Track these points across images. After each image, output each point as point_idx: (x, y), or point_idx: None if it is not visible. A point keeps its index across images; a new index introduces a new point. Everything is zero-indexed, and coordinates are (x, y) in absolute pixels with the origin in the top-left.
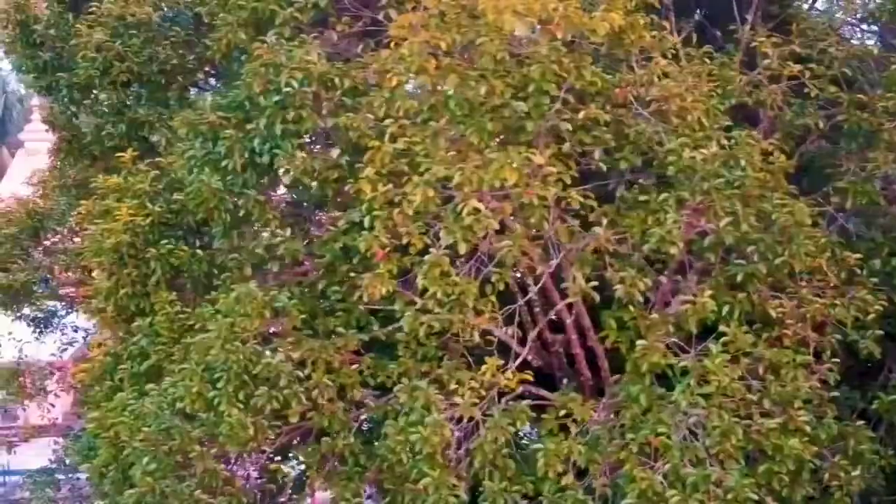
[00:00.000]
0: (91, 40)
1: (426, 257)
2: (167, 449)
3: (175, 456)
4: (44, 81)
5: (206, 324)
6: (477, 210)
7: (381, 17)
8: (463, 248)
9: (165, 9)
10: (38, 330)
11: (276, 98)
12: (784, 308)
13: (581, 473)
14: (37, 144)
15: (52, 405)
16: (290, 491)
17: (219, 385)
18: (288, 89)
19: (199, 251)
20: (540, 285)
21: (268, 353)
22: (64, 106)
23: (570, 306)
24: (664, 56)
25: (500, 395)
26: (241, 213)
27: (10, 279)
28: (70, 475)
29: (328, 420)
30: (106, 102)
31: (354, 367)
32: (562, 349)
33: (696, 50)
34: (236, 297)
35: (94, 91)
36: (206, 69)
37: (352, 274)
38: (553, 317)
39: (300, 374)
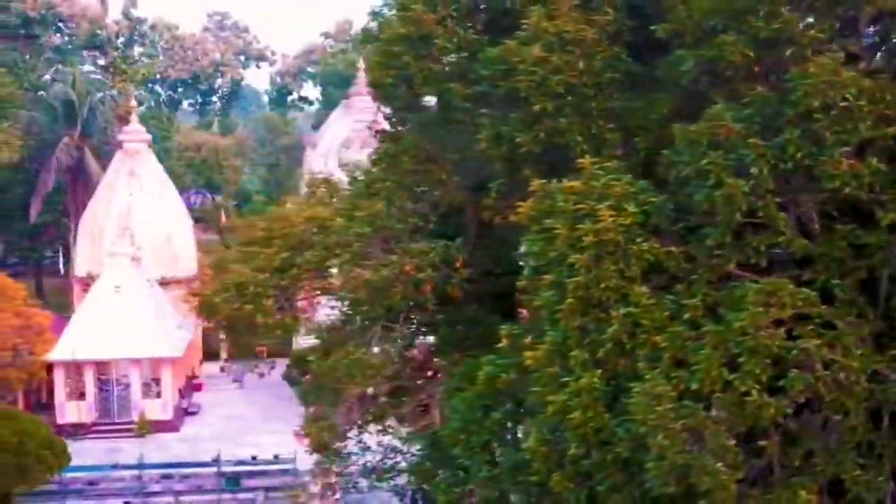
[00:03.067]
0: (528, 56)
1: None
2: (679, 427)
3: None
4: (429, 89)
5: (694, 314)
6: None
7: None
8: None
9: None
10: None
11: (833, 112)
12: None
13: None
14: (136, 145)
15: None
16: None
17: (745, 368)
18: (845, 104)
19: (673, 249)
20: None
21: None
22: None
23: None
24: None
25: None
26: (759, 215)
27: (376, 275)
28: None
29: (850, 401)
30: (531, 112)
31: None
32: None
33: None
34: (768, 290)
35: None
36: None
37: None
38: None
39: (833, 357)
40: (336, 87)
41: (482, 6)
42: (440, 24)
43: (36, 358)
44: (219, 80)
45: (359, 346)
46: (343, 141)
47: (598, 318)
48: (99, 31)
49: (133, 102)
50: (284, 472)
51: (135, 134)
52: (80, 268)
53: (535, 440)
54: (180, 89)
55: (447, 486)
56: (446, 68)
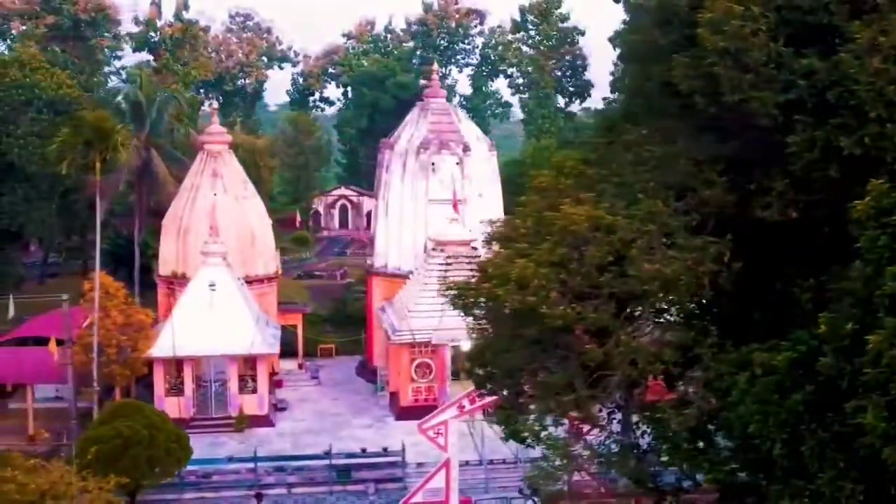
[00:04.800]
0: (867, 67)
1: None
2: None
3: None
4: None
5: None
6: None
7: None
8: None
9: None
10: None
11: None
12: None
13: None
14: (218, 147)
15: None
16: None
17: None
18: None
19: None
20: None
21: None
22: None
23: None
24: None
25: None
26: None
27: (669, 269)
28: None
29: None
30: (860, 118)
31: None
32: None
33: None
34: None
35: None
36: None
37: None
38: None
39: None
40: (370, 89)
41: (788, 22)
42: (753, 37)
43: (139, 355)
44: (241, 81)
45: (630, 334)
46: (421, 142)
47: None
48: (152, 34)
49: (215, 104)
50: (393, 464)
51: (217, 135)
52: (164, 267)
53: (873, 416)
54: (202, 90)
55: (712, 465)
56: (756, 78)
